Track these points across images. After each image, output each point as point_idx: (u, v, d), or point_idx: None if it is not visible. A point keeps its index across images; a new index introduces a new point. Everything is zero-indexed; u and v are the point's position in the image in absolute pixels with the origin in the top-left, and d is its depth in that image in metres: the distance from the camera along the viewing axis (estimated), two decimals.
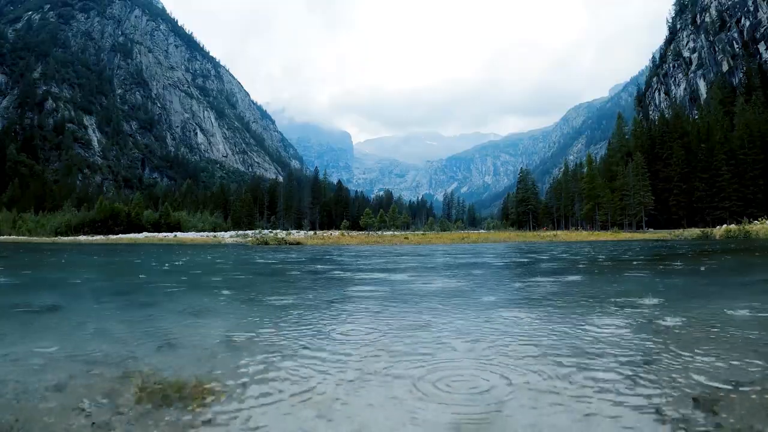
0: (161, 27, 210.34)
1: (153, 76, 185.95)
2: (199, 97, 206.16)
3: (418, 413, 1.24)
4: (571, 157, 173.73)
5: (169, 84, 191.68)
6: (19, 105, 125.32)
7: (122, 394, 1.40)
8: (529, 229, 62.84)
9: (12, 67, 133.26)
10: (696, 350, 1.85)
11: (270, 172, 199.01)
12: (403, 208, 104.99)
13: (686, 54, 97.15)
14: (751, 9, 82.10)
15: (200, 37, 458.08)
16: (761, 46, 78.34)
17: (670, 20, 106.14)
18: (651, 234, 32.88)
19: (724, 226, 25.30)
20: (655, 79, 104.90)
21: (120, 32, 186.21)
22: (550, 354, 1.85)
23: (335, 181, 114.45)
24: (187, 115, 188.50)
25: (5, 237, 46.66)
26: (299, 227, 74.26)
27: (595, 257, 9.62)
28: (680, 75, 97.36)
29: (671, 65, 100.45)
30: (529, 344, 2.00)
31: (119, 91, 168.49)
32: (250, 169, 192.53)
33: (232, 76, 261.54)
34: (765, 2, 78.68)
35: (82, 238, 42.44)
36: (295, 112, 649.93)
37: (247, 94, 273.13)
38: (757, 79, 70.33)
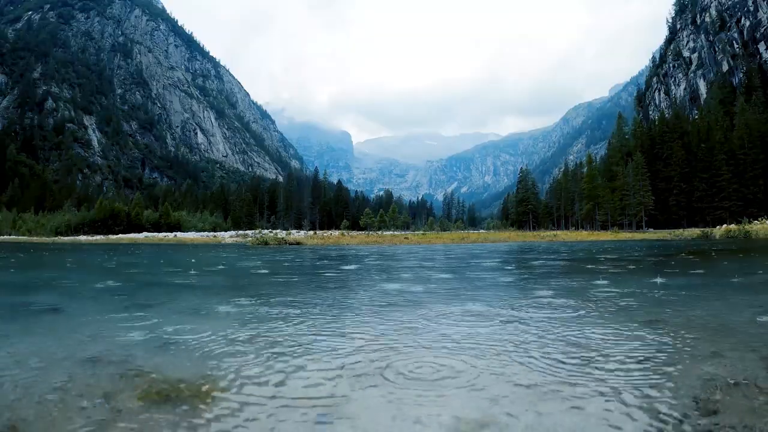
0: (161, 27, 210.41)
1: (153, 76, 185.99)
2: (199, 97, 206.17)
3: (417, 414, 1.23)
4: (571, 157, 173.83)
5: (169, 84, 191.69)
6: (19, 105, 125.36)
7: (122, 394, 1.39)
8: (530, 229, 62.85)
9: (12, 67, 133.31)
10: (696, 350, 1.85)
11: (270, 172, 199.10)
12: (403, 208, 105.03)
13: (686, 54, 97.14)
14: (751, 9, 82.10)
15: (200, 37, 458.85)
16: (761, 46, 78.34)
17: (670, 20, 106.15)
18: (651, 234, 32.87)
19: (724, 226, 25.30)
20: (655, 79, 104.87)
21: (120, 32, 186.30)
22: (550, 354, 1.85)
23: (335, 181, 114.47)
24: (187, 115, 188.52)
25: (5, 237, 46.67)
26: (299, 227, 74.25)
27: (598, 257, 9.63)
28: (680, 75, 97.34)
29: (671, 65, 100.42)
30: (528, 344, 2.00)
31: (119, 91, 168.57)
32: (250, 169, 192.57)
33: (232, 76, 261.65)
34: (765, 2, 78.69)
35: (82, 238, 42.44)
36: (295, 111, 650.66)
37: (247, 94, 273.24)
38: (757, 79, 70.34)
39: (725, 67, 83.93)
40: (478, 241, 23.58)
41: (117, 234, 46.81)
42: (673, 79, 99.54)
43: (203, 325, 2.55)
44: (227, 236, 35.69)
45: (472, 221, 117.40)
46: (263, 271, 7.14)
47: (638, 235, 30.05)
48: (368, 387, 1.45)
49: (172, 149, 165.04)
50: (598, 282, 4.64)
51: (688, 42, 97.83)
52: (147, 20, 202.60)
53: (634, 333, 2.23)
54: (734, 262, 7.83)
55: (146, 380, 1.50)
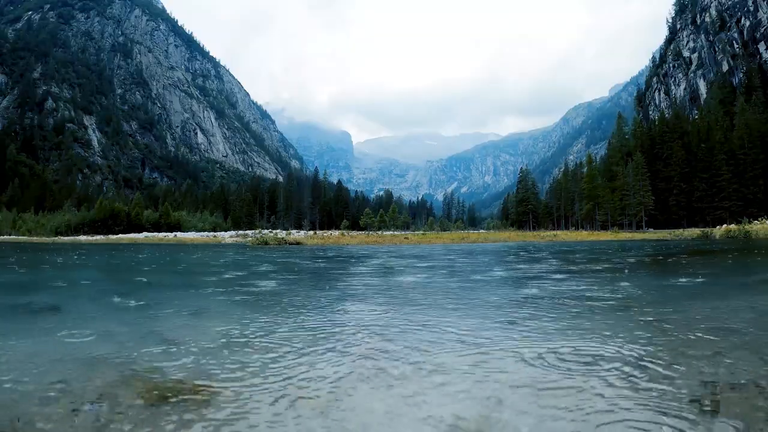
0: (161, 27, 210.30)
1: (153, 76, 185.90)
2: (199, 97, 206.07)
3: (416, 413, 1.23)
4: (571, 157, 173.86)
5: (169, 84, 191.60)
6: (19, 105, 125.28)
7: (122, 394, 1.40)
8: (530, 229, 62.84)
9: (12, 67, 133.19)
10: (696, 350, 1.85)
11: (270, 172, 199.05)
12: (403, 208, 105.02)
13: (686, 54, 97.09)
14: (751, 9, 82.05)
15: (200, 37, 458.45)
16: (761, 46, 78.29)
17: (670, 20, 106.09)
18: (651, 234, 32.87)
19: (724, 226, 25.29)
20: (655, 79, 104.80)
21: (120, 32, 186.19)
22: (548, 354, 1.85)
23: (335, 181, 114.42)
24: (187, 115, 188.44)
25: (5, 237, 46.67)
26: (299, 227, 74.24)
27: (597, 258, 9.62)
28: (680, 75, 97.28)
29: (671, 65, 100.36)
30: (527, 343, 2.00)
31: (119, 91, 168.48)
32: (250, 169, 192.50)
33: (232, 76, 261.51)
34: (765, 2, 78.65)
35: (82, 238, 42.44)
36: (295, 111, 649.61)
37: (247, 94, 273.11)
38: (757, 79, 70.30)
39: (725, 67, 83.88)
40: (477, 241, 23.58)
41: (117, 234, 46.81)
42: (673, 79, 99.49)
43: (203, 326, 2.55)
44: (227, 236, 35.68)
45: (472, 221, 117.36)
46: (263, 271, 7.14)
47: (638, 235, 30.05)
48: (368, 387, 1.45)
49: (172, 149, 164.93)
50: (597, 282, 4.64)
51: (688, 42, 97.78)
52: (147, 20, 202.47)
53: (634, 333, 2.22)
54: (734, 263, 7.84)
55: (146, 380, 1.51)
